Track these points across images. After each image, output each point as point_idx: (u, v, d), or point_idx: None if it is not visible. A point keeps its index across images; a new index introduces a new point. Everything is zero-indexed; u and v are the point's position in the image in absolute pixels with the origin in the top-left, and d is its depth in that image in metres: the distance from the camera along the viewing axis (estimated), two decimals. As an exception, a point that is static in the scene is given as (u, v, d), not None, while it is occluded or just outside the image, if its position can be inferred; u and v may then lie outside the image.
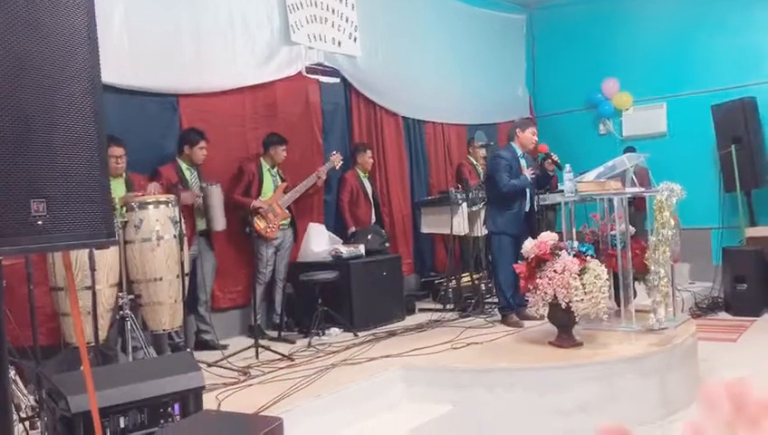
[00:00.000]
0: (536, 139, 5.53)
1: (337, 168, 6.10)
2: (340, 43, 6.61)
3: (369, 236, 6.12)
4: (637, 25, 8.77)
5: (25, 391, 3.40)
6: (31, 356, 3.50)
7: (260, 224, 5.41)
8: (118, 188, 4.39)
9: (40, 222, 1.63)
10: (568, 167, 4.85)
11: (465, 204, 6.36)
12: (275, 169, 5.71)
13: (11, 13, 1.59)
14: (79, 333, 1.98)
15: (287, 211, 5.69)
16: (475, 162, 7.50)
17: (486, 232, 6.35)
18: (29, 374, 3.53)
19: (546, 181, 5.67)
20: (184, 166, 5.13)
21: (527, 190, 5.32)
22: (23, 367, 3.50)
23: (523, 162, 5.38)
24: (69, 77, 1.73)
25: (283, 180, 5.73)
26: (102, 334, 4.02)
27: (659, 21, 8.62)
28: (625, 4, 8.84)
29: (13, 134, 1.58)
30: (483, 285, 6.37)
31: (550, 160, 5.40)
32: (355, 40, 6.77)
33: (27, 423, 3.23)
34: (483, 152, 7.36)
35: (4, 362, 1.76)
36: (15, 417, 3.08)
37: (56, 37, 1.69)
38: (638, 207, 6.29)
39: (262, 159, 5.64)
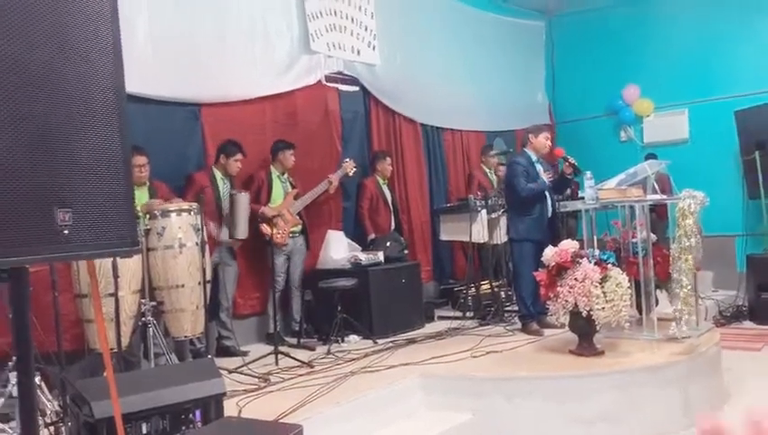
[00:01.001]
0: (550, 144, 5.51)
1: (350, 174, 6.10)
2: (359, 52, 6.65)
3: (388, 244, 6.13)
4: (658, 31, 8.70)
5: (50, 397, 3.46)
6: (55, 362, 3.54)
7: (268, 231, 5.42)
8: (141, 197, 4.46)
9: (66, 231, 1.66)
10: (589, 174, 4.82)
11: (484, 211, 6.35)
12: (285, 176, 5.74)
13: (38, 22, 1.63)
14: (103, 340, 2.01)
15: (298, 218, 5.71)
16: (487, 170, 7.47)
17: (506, 239, 6.32)
18: (53, 380, 3.58)
19: (565, 186, 5.63)
20: (218, 175, 5.20)
21: (547, 194, 5.29)
22: (47, 373, 3.55)
23: (539, 167, 5.36)
24: (94, 87, 1.76)
25: (293, 187, 5.76)
26: (125, 341, 4.07)
27: (681, 26, 8.54)
28: (645, 9, 8.78)
29: (39, 144, 1.61)
30: (502, 293, 6.34)
31: (567, 164, 5.37)
32: (374, 48, 6.81)
33: (52, 428, 3.27)
34: (496, 160, 7.35)
35: (30, 367, 1.79)
36: (40, 422, 3.12)
37: (81, 47, 1.72)
38: (659, 215, 6.24)
39: (271, 165, 5.67)
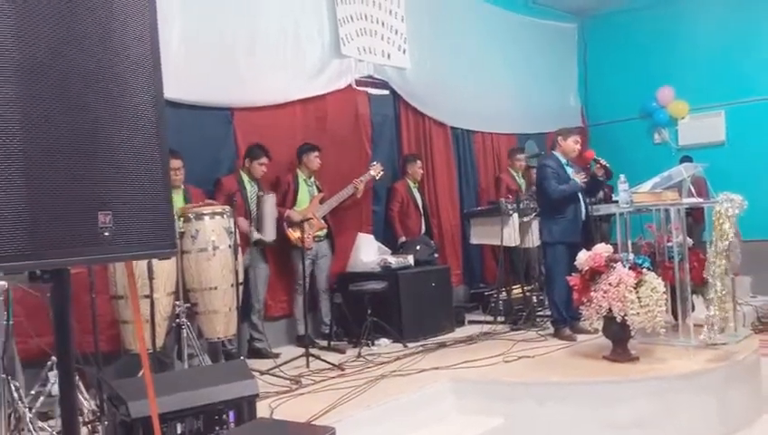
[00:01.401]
0: (579, 147, 5.44)
1: (377, 178, 6.10)
2: (389, 56, 6.67)
3: (418, 247, 6.12)
4: (692, 31, 8.55)
5: (87, 396, 3.53)
6: (92, 362, 3.61)
7: (294, 234, 5.45)
8: (176, 200, 4.52)
9: (107, 233, 1.69)
10: (623, 177, 4.75)
11: (516, 214, 6.29)
12: (312, 180, 5.76)
13: (86, 25, 1.66)
14: (140, 340, 2.05)
15: (323, 222, 5.73)
16: (515, 173, 7.41)
17: (538, 243, 6.26)
18: (90, 379, 3.65)
19: (597, 188, 5.56)
20: (245, 178, 5.25)
21: (580, 196, 5.22)
22: (85, 372, 3.62)
23: (569, 170, 5.30)
24: (134, 91, 1.79)
25: (319, 191, 5.78)
26: (159, 342, 4.13)
27: (716, 26, 8.38)
28: (680, 9, 8.64)
29: (83, 147, 1.64)
30: (534, 298, 6.27)
31: (598, 165, 5.30)
32: (404, 52, 6.81)
33: (89, 427, 3.34)
34: (523, 163, 7.29)
35: (71, 367, 1.83)
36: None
37: (124, 51, 1.75)
38: (695, 219, 6.12)
39: (298, 169, 5.70)
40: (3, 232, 1.52)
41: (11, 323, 3.33)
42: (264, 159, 5.23)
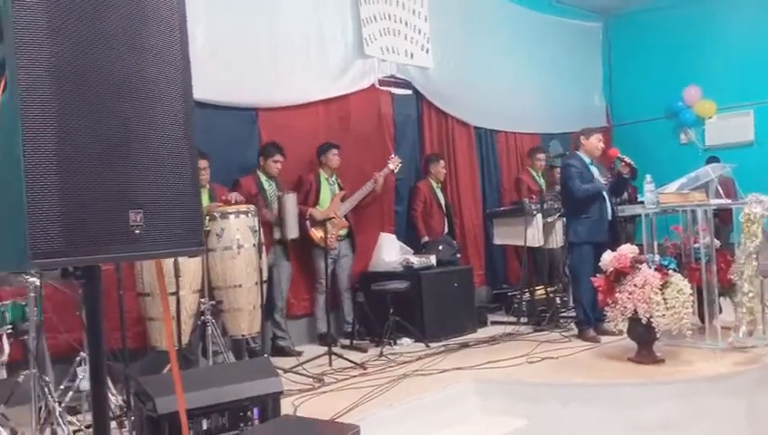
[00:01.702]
0: (602, 145, 5.39)
1: (395, 170, 6.09)
2: (412, 55, 6.67)
3: (441, 247, 6.11)
4: (720, 29, 8.42)
5: (114, 391, 3.58)
6: (119, 358, 3.67)
7: (316, 234, 5.47)
8: (202, 199, 4.56)
9: (137, 231, 1.72)
10: (649, 177, 4.70)
11: (539, 215, 6.25)
12: (334, 178, 5.78)
13: (120, 29, 1.70)
14: (169, 337, 2.07)
15: (345, 221, 5.75)
16: (535, 173, 7.35)
17: (562, 244, 6.23)
18: (117, 375, 3.70)
19: (623, 187, 5.50)
20: (263, 178, 5.28)
21: (605, 196, 5.17)
22: (112, 368, 3.68)
23: (594, 170, 5.25)
24: (164, 92, 1.82)
25: (341, 189, 5.80)
26: (185, 339, 4.18)
27: (744, 24, 8.25)
28: (706, 7, 8.51)
29: (114, 146, 1.67)
30: (557, 299, 6.23)
31: (623, 164, 5.25)
32: (427, 51, 6.81)
33: (116, 422, 3.39)
34: (543, 163, 7.24)
35: (102, 362, 1.86)
36: (106, 415, 3.23)
37: (155, 53, 1.78)
38: (723, 220, 6.02)
39: (320, 169, 5.72)
40: (38, 230, 1.55)
41: (41, 318, 3.39)
42: (279, 157, 5.25)
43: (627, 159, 5.22)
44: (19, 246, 1.58)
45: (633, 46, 9.16)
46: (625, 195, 7.21)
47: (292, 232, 5.18)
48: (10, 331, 3.37)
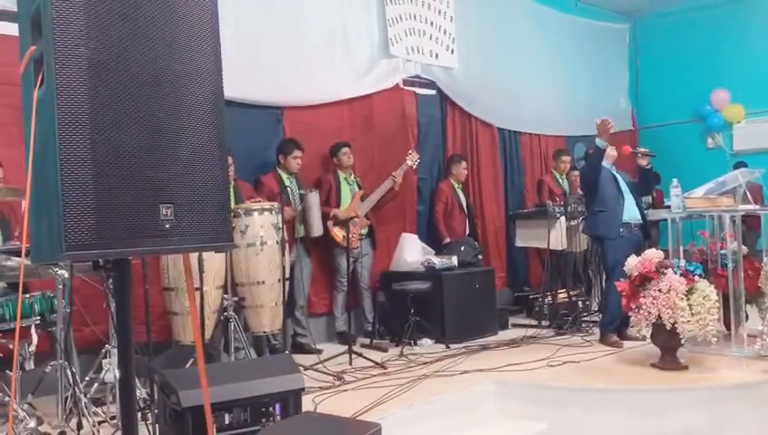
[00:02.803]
0: (614, 150, 5.33)
1: (413, 167, 6.07)
2: (437, 56, 6.66)
3: (462, 248, 6.09)
4: (749, 32, 8.30)
5: (138, 384, 3.62)
6: (144, 352, 3.72)
7: (339, 234, 5.48)
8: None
9: (167, 226, 1.75)
10: (675, 181, 4.65)
11: (563, 218, 6.21)
12: (353, 178, 5.79)
13: (154, 29, 1.73)
14: (196, 332, 2.11)
15: (365, 219, 5.75)
16: (558, 176, 7.29)
17: (585, 247, 6.19)
18: (141, 368, 3.75)
19: (648, 180, 5.44)
20: (284, 175, 5.31)
21: (623, 191, 5.10)
22: (136, 361, 3.72)
23: (615, 175, 5.19)
24: (196, 90, 1.85)
25: (360, 188, 5.81)
26: (207, 334, 4.23)
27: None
28: (735, 10, 8.39)
29: (149, 143, 1.71)
30: (579, 303, 6.18)
31: (639, 155, 5.19)
32: (452, 52, 6.80)
33: (139, 415, 3.43)
34: (567, 165, 7.18)
35: (130, 354, 1.89)
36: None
37: (188, 52, 1.81)
38: (750, 226, 5.93)
39: (338, 169, 5.73)
40: (71, 223, 1.59)
41: (70, 310, 3.45)
42: (298, 153, 5.26)
43: (640, 150, 5.18)
44: (54, 238, 1.62)
45: (660, 48, 9.05)
46: (650, 199, 7.14)
47: (317, 230, 5.20)
48: (38, 322, 3.44)
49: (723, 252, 4.60)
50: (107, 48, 1.67)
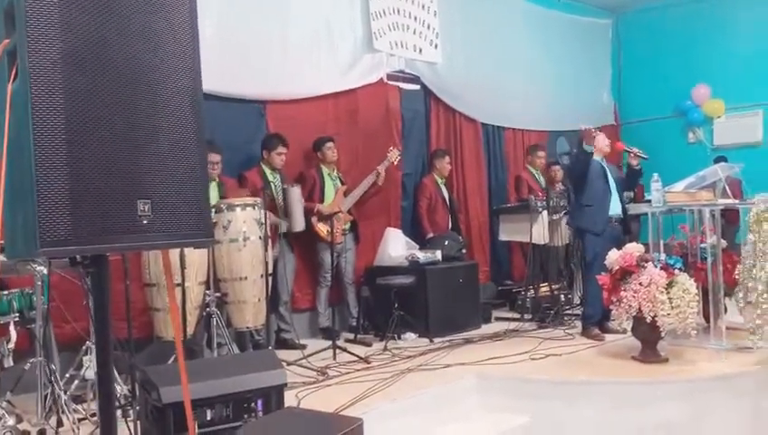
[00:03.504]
0: (608, 142, 5.38)
1: (395, 162, 6.07)
2: (421, 51, 6.66)
3: (446, 243, 6.11)
4: (730, 29, 8.38)
5: (119, 381, 3.60)
6: (125, 348, 3.69)
7: (323, 229, 5.47)
8: (211, 192, 4.58)
9: (145, 221, 1.73)
10: (656, 176, 4.69)
11: (545, 212, 6.25)
12: (335, 173, 5.78)
13: (131, 21, 1.71)
14: (176, 329, 2.09)
15: (349, 214, 5.75)
16: (534, 171, 7.33)
17: (567, 241, 6.23)
18: (122, 365, 3.72)
19: (636, 179, 5.49)
20: (267, 170, 5.29)
21: (610, 186, 5.15)
22: (117, 358, 3.69)
23: (606, 168, 5.23)
24: (174, 83, 1.83)
25: (342, 184, 5.80)
26: (190, 330, 4.21)
27: (755, 23, 8.21)
28: (717, 6, 8.46)
29: (126, 138, 1.69)
30: (562, 296, 6.23)
31: (631, 155, 5.24)
32: (436, 47, 6.80)
33: (121, 411, 3.41)
34: (543, 161, 7.22)
35: (109, 350, 1.87)
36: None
37: (165, 45, 1.79)
38: (729, 220, 6.00)
39: (321, 164, 5.71)
40: (47, 218, 1.57)
41: (49, 307, 3.42)
42: (282, 149, 5.24)
43: (634, 150, 5.22)
44: (28, 235, 1.59)
45: (642, 44, 9.12)
46: (631, 193, 7.20)
47: (299, 225, 5.19)
48: (17, 319, 3.40)
49: (702, 246, 4.66)
50: (82, 41, 1.64)
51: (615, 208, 5.17)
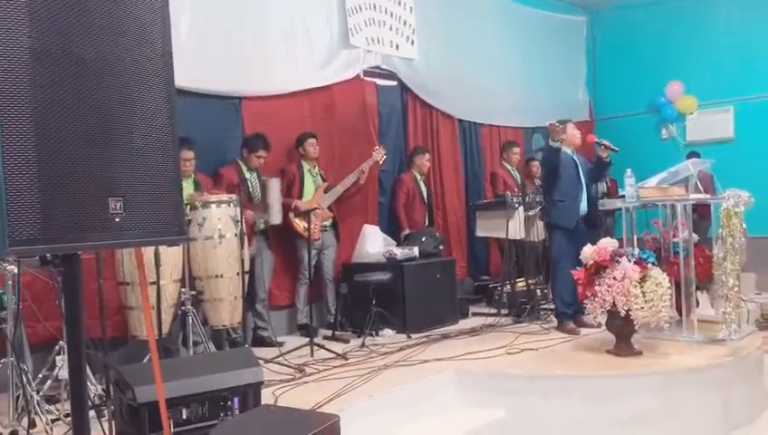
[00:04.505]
0: (579, 133, 5.44)
1: (380, 162, 6.08)
2: (397, 46, 6.66)
3: (424, 239, 6.13)
4: (702, 26, 8.52)
5: (93, 380, 3.56)
6: (98, 347, 3.65)
7: (300, 225, 5.46)
8: (187, 189, 4.53)
9: (117, 219, 1.71)
10: (629, 171, 4.75)
11: (521, 208, 6.29)
12: (316, 170, 5.76)
13: (100, 17, 1.68)
14: (149, 328, 2.07)
15: (328, 211, 5.74)
16: (510, 168, 7.38)
17: (543, 237, 6.28)
18: (96, 364, 3.68)
19: (603, 170, 5.58)
20: (244, 168, 5.25)
21: (582, 181, 5.21)
22: (91, 357, 3.65)
23: (576, 160, 5.29)
24: (146, 79, 1.81)
25: (323, 180, 5.78)
26: (165, 329, 4.16)
27: (726, 21, 8.35)
28: (690, 3, 8.60)
29: (94, 134, 1.67)
30: (538, 291, 6.28)
31: (602, 147, 5.31)
32: (412, 43, 6.80)
33: (96, 411, 3.37)
34: (518, 157, 7.28)
35: (81, 350, 1.85)
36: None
37: (137, 40, 1.77)
38: (701, 215, 6.10)
39: (302, 160, 5.69)
40: (16, 217, 1.54)
41: (20, 306, 3.36)
42: (262, 153, 5.19)
43: (605, 142, 5.29)
44: (-4, 233, 1.56)
45: (617, 41, 9.23)
46: (604, 188, 7.29)
47: (276, 217, 5.12)
48: (-13, 319, 3.34)
49: (675, 240, 4.73)
50: (51, 37, 1.62)
51: (583, 207, 5.25)
